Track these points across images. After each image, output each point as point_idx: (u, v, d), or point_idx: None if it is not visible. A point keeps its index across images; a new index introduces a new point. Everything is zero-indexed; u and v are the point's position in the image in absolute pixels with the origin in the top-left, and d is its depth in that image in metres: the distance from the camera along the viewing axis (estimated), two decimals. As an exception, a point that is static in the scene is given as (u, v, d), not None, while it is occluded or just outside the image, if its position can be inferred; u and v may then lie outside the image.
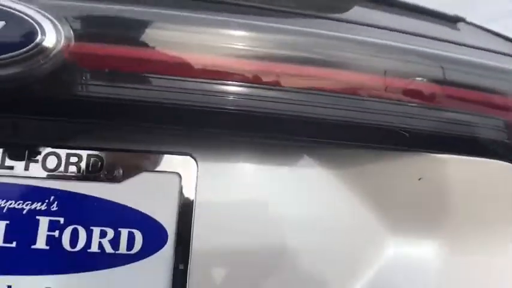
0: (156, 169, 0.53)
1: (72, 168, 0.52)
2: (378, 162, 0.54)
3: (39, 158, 0.52)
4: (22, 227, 0.50)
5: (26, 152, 0.52)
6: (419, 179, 0.54)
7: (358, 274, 0.54)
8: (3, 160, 0.52)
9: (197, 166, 0.53)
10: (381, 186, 0.55)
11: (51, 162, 0.52)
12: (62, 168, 0.52)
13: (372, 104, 0.52)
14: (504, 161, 0.55)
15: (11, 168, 0.52)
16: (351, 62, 0.55)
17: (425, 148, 0.54)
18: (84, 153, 0.52)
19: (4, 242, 0.50)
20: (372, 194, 0.55)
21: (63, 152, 0.52)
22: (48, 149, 0.52)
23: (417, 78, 0.54)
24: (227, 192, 0.54)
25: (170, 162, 0.53)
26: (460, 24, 0.79)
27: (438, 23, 0.76)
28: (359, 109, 0.52)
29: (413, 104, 0.53)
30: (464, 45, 0.67)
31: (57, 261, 0.50)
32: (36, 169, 0.52)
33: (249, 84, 0.50)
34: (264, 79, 0.50)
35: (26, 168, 0.52)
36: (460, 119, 0.54)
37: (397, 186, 0.55)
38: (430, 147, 0.54)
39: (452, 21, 0.78)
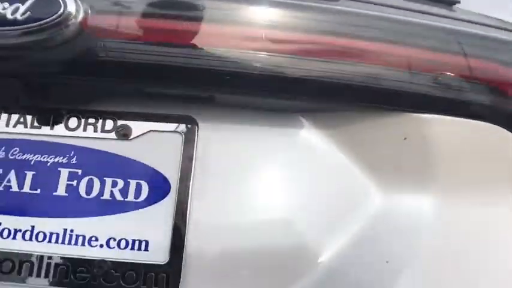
0: (162, 129, 0.60)
1: (90, 128, 0.60)
2: (364, 123, 0.59)
3: (62, 119, 0.60)
4: (46, 177, 0.58)
5: (52, 114, 0.60)
6: (405, 139, 0.58)
7: (348, 228, 0.58)
8: (32, 121, 0.60)
9: (197, 127, 0.60)
10: (369, 145, 0.59)
11: (72, 122, 0.60)
12: (81, 128, 0.60)
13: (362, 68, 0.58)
14: (488, 122, 0.58)
15: (39, 127, 0.60)
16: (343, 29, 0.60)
17: (409, 108, 0.58)
18: (100, 115, 0.60)
19: (30, 189, 0.58)
20: (360, 153, 0.59)
21: (82, 114, 0.60)
22: (70, 112, 0.60)
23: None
24: (224, 150, 0.60)
25: (174, 123, 0.60)
26: (456, 7, 0.84)
27: (435, 6, 0.80)
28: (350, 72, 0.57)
29: (400, 67, 0.58)
30: (456, 19, 0.71)
31: (74, 206, 0.57)
32: (59, 128, 0.60)
33: (245, 50, 0.56)
34: (263, 45, 0.57)
35: (51, 127, 0.60)
36: (445, 82, 0.59)
37: (383, 145, 0.59)
38: (413, 107, 0.58)
39: (449, 3, 0.83)
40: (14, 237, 0.56)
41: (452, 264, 0.55)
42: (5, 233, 0.56)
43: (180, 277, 0.55)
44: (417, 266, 0.56)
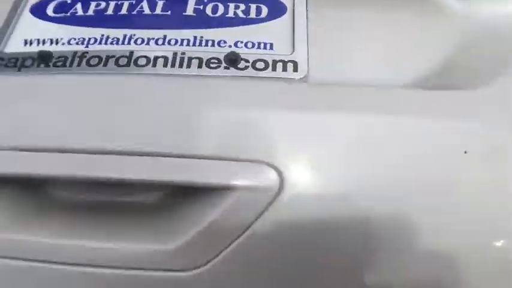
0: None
1: (212, -28, 0.68)
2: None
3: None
4: (175, 3, 0.65)
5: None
6: None
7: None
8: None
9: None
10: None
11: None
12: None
13: None
14: None
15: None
16: None
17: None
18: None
19: (161, 11, 0.64)
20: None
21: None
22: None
23: None
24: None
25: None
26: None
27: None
28: None
29: None
30: None
31: (203, 21, 0.63)
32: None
33: None
34: None
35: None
36: None
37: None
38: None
39: None
40: (148, 43, 0.61)
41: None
42: (139, 41, 0.61)
43: (307, 65, 0.58)
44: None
